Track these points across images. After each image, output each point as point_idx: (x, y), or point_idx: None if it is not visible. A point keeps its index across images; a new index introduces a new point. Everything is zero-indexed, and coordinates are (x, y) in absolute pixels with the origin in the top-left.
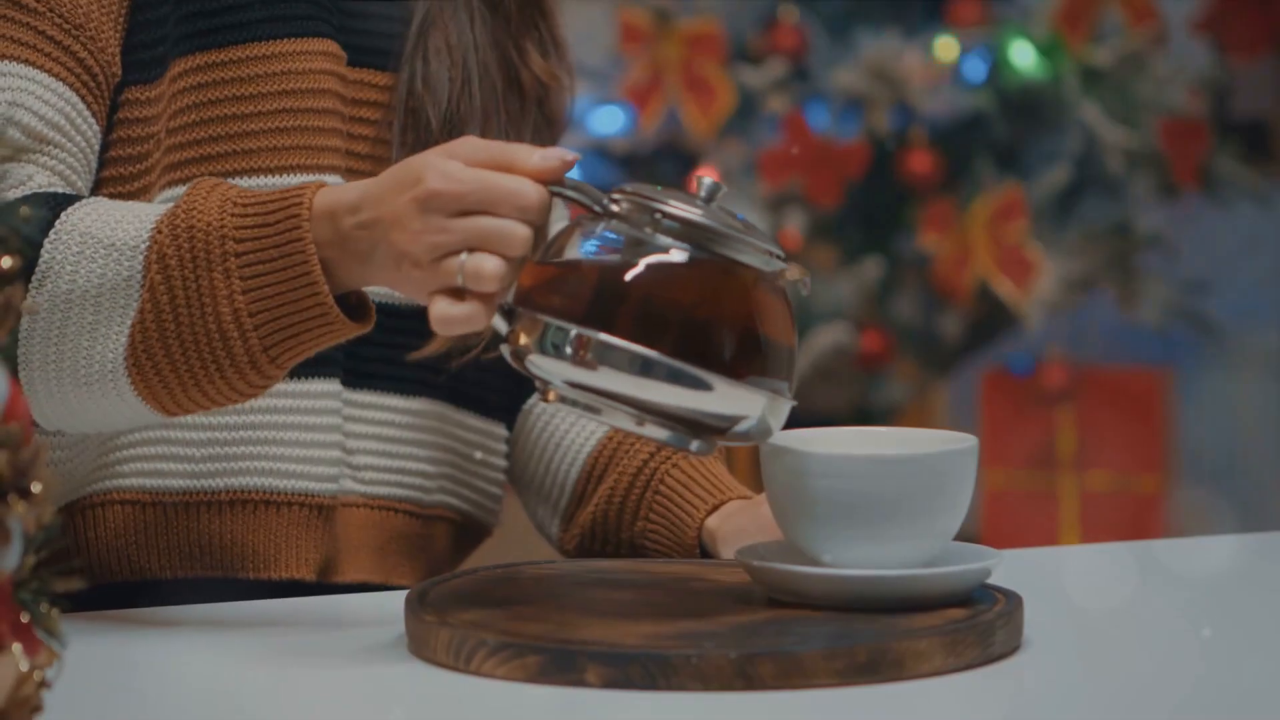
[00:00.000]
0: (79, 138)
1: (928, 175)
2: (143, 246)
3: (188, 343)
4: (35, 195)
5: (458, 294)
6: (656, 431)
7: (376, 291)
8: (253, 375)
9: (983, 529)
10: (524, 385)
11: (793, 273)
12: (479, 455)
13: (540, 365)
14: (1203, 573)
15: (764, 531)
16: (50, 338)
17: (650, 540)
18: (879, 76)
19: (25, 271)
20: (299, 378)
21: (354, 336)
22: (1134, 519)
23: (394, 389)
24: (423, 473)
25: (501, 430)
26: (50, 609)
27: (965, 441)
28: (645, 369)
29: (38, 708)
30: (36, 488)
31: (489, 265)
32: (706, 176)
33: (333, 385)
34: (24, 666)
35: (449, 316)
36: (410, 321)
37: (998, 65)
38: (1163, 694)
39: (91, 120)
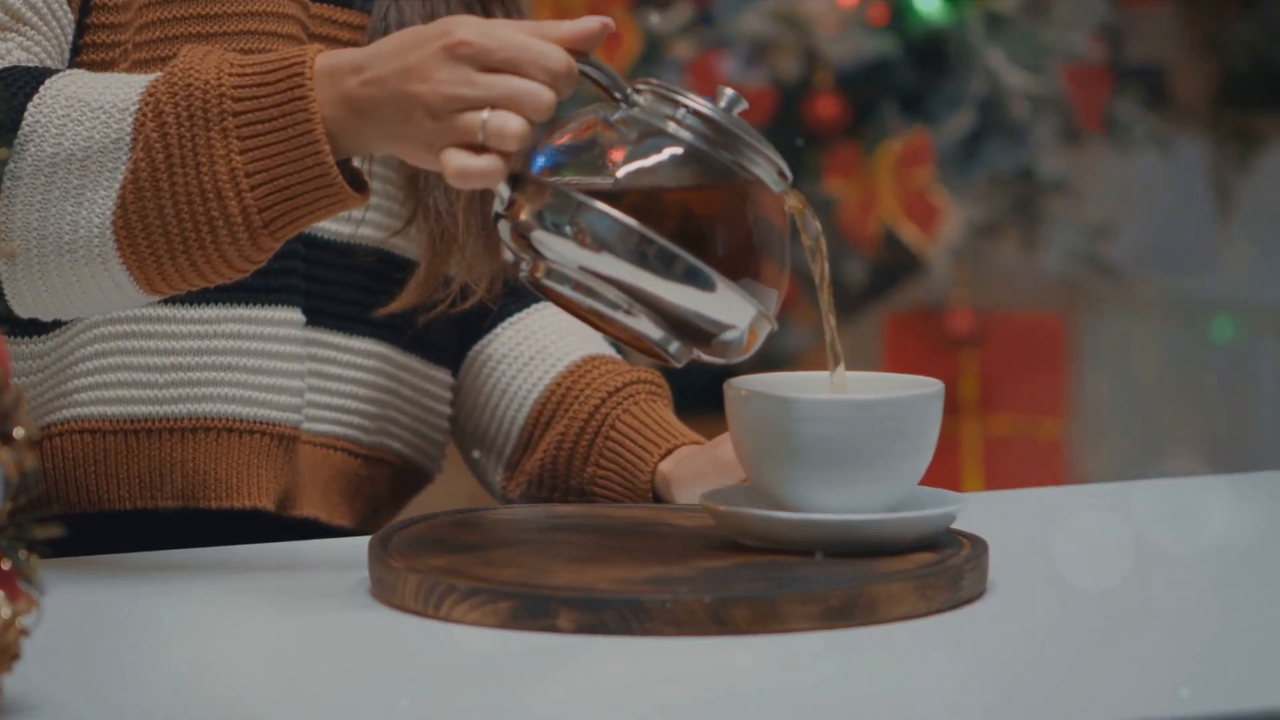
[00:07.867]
0: (54, 23)
1: (833, 120)
2: (132, 109)
3: (181, 203)
4: (15, 68)
5: (471, 150)
6: (644, 325)
7: (335, 231)
8: (245, 241)
9: None
10: (470, 331)
11: (792, 202)
12: (423, 401)
13: (540, 240)
14: (1159, 514)
15: (723, 474)
16: (33, 204)
17: (600, 486)
18: (784, 21)
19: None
20: (261, 305)
21: (349, 209)
22: (1037, 464)
23: (340, 328)
24: (361, 412)
25: (446, 376)
26: (30, 555)
27: (933, 385)
28: (645, 252)
29: (16, 655)
30: (19, 433)
31: (513, 123)
32: (729, 89)
33: (294, 314)
34: (5, 614)
35: (468, 168)
36: (367, 261)
37: (902, 10)
38: (1127, 632)
39: (67, 8)
